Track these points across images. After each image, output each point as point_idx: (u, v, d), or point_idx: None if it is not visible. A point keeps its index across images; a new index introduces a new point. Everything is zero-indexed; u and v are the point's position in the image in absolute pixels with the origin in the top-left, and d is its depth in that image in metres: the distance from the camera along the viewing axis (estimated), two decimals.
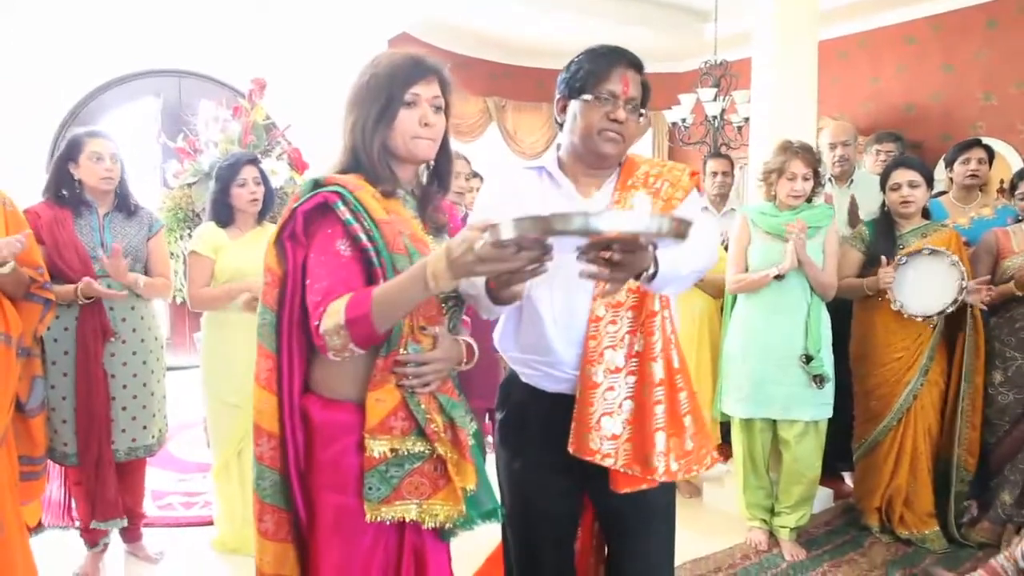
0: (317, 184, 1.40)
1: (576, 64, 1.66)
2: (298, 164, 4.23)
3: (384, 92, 1.42)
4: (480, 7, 5.93)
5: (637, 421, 1.57)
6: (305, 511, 1.45)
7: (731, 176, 4.15)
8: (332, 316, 1.31)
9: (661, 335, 1.58)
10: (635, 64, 1.64)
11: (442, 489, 1.43)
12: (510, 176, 1.75)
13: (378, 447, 1.38)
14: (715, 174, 4.08)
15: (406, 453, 1.40)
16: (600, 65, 1.61)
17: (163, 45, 5.27)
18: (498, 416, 1.82)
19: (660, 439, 1.56)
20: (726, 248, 3.28)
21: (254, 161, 2.90)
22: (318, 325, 1.33)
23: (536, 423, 1.70)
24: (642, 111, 1.67)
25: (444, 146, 1.53)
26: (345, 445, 1.40)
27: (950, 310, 2.81)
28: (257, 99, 4.19)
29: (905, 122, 5.66)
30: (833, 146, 3.67)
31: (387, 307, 1.30)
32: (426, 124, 1.44)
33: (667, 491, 1.70)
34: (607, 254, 1.23)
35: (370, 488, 1.38)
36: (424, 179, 1.58)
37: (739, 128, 5.41)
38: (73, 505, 2.77)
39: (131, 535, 2.88)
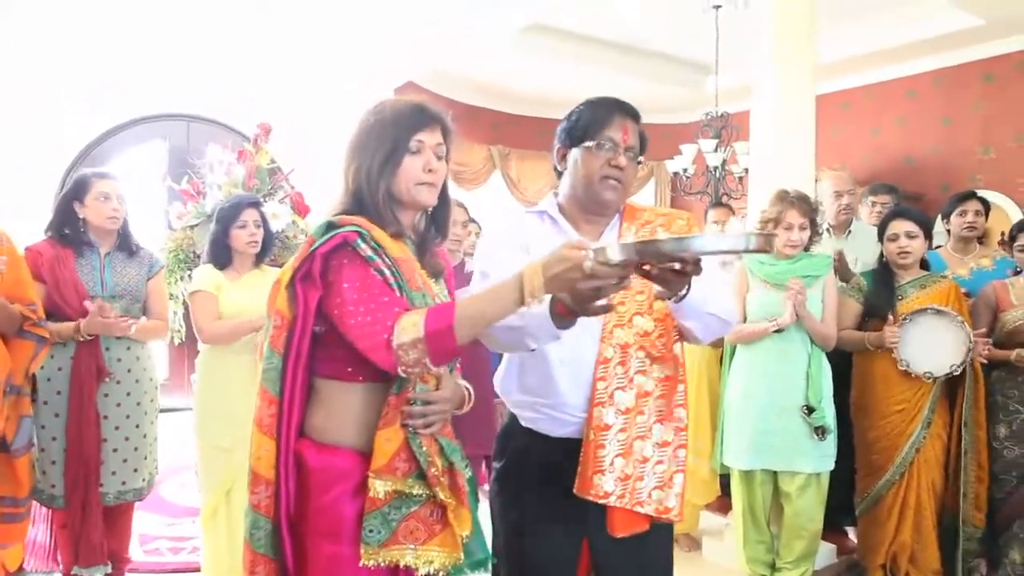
0: (332, 226, 1.39)
1: (576, 114, 1.70)
2: (300, 208, 4.26)
3: (389, 138, 1.44)
4: (485, 58, 6.05)
5: (657, 461, 1.62)
6: (294, 559, 1.41)
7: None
8: (408, 330, 1.29)
9: (685, 384, 1.69)
10: (633, 114, 1.69)
11: (437, 535, 1.41)
12: (513, 222, 1.79)
13: (383, 487, 1.36)
14: (716, 223, 4.10)
15: (405, 496, 1.38)
16: (600, 114, 1.66)
17: (172, 90, 5.38)
18: (495, 465, 1.80)
19: (678, 479, 1.63)
20: None
21: (256, 204, 2.92)
22: (388, 339, 1.29)
23: (537, 468, 1.69)
24: (640, 159, 1.71)
25: (443, 193, 1.55)
26: (340, 492, 1.39)
27: (957, 372, 2.78)
28: (262, 143, 4.24)
29: (904, 174, 5.70)
30: (839, 194, 3.66)
31: (473, 320, 1.29)
32: (430, 171, 1.46)
33: (665, 541, 1.73)
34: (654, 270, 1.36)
35: (370, 531, 1.36)
36: (422, 225, 1.58)
37: (740, 178, 5.45)
38: (58, 549, 2.71)
39: None
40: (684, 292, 1.46)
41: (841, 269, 3.47)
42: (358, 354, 1.35)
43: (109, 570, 2.71)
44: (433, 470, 1.39)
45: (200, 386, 2.86)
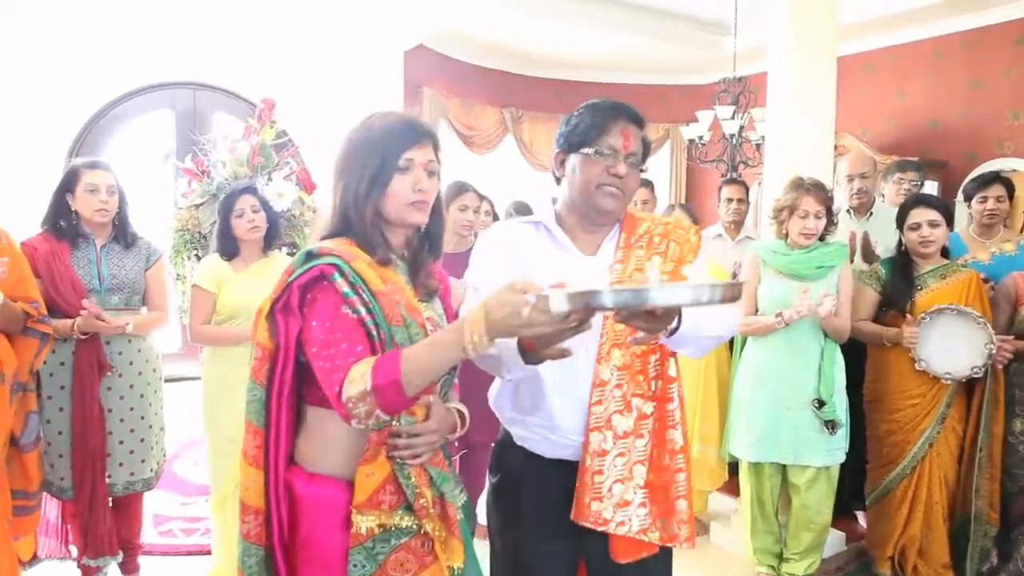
0: (311, 255, 1.35)
1: (576, 118, 1.63)
2: (307, 185, 4.19)
3: (377, 157, 1.38)
4: (496, 19, 5.86)
5: (657, 487, 1.57)
6: None
7: (746, 203, 4.06)
8: (356, 383, 1.23)
9: (679, 403, 1.61)
10: (636, 119, 1.61)
11: (428, 567, 1.40)
12: (506, 234, 1.70)
13: (365, 523, 1.34)
14: (730, 201, 3.99)
15: (393, 528, 1.36)
16: (601, 119, 1.58)
17: (178, 57, 5.26)
18: (491, 479, 1.77)
19: (682, 505, 1.59)
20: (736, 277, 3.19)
21: (249, 190, 2.88)
22: (339, 392, 1.25)
23: (533, 489, 1.65)
24: (643, 167, 1.64)
25: (436, 210, 1.49)
26: (331, 522, 1.37)
27: (979, 374, 2.71)
28: (266, 119, 4.15)
29: (930, 139, 5.51)
30: (851, 178, 3.53)
31: (418, 372, 1.23)
32: (419, 190, 1.40)
33: (666, 559, 1.69)
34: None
35: (355, 566, 1.34)
36: (415, 243, 1.52)
37: (757, 146, 5.30)
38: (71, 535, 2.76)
39: (128, 567, 2.86)
40: (675, 325, 1.40)
41: (866, 251, 3.36)
42: None
43: (120, 559, 2.75)
44: (422, 501, 1.37)
45: (207, 379, 2.87)
